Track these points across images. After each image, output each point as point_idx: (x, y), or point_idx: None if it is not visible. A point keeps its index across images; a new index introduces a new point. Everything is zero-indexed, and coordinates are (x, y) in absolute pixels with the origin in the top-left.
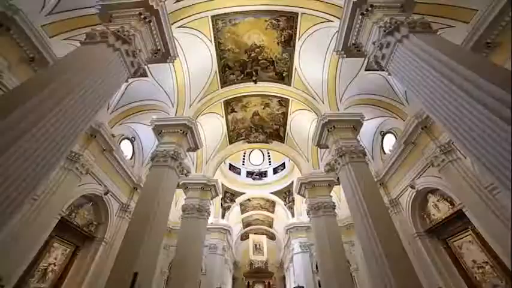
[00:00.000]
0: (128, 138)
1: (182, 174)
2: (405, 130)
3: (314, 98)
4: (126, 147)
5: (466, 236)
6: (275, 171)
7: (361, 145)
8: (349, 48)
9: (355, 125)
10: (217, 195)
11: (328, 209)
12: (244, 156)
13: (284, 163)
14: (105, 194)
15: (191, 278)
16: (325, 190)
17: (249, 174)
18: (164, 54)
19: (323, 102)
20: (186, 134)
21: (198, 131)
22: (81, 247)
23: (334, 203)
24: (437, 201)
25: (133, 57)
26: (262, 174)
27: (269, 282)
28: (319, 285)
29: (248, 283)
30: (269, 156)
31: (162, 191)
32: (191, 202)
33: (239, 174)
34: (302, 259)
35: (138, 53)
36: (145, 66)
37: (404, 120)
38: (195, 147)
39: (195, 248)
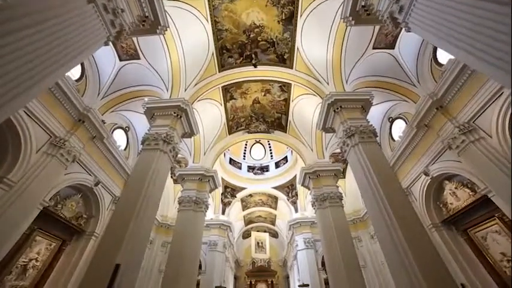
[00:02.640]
0: (121, 128)
1: (176, 162)
2: (417, 112)
3: (318, 80)
4: (119, 137)
5: (491, 226)
6: (277, 165)
7: (371, 125)
8: (358, 13)
9: (364, 105)
10: (216, 187)
11: (335, 199)
12: (245, 150)
13: (286, 157)
14: (96, 185)
15: (188, 275)
16: (331, 180)
17: (250, 168)
18: (153, 23)
19: (328, 84)
20: (181, 117)
21: (193, 114)
22: (68, 242)
23: (341, 193)
24: (455, 188)
25: (113, 16)
26: (264, 169)
27: (272, 281)
28: (326, 283)
29: (250, 282)
30: (271, 150)
31: (153, 175)
32: (188, 194)
33: (240, 168)
34: (307, 256)
35: (121, 12)
36: (138, 50)
37: (415, 103)
38: (190, 133)
39: (192, 242)
